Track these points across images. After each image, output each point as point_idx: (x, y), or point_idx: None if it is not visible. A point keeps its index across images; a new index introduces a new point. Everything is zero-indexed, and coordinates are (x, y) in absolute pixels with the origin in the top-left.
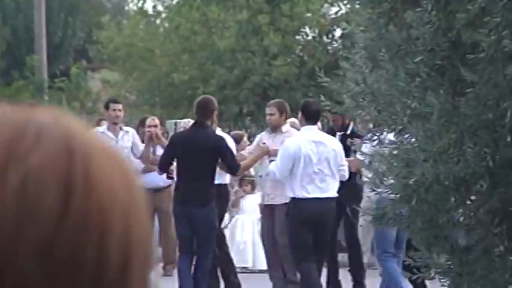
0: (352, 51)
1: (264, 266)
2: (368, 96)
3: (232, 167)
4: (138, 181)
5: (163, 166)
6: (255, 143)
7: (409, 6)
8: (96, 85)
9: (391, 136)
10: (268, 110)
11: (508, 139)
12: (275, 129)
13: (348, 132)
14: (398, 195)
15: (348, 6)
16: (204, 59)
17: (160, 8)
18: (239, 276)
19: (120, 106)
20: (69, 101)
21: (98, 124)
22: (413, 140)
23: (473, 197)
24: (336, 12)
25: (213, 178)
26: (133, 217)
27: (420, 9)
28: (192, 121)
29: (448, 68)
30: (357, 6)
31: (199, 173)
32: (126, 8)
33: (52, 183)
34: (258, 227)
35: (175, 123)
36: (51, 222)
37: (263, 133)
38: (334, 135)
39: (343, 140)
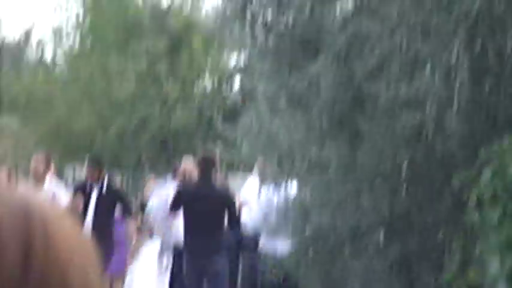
0: (253, 100)
1: None
2: (267, 143)
3: (235, 220)
4: (91, 242)
5: (174, 208)
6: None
7: (310, 57)
8: None
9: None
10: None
11: (404, 191)
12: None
13: (105, 186)
14: (294, 247)
15: (248, 54)
16: (103, 107)
17: (59, 55)
18: None
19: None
20: None
21: None
22: (310, 190)
23: (370, 249)
24: (236, 63)
25: (223, 228)
26: (91, 274)
27: (321, 61)
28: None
29: (348, 119)
30: (258, 56)
31: (209, 225)
32: (25, 57)
33: (12, 242)
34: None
35: None
36: (13, 281)
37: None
38: (91, 189)
39: (102, 194)
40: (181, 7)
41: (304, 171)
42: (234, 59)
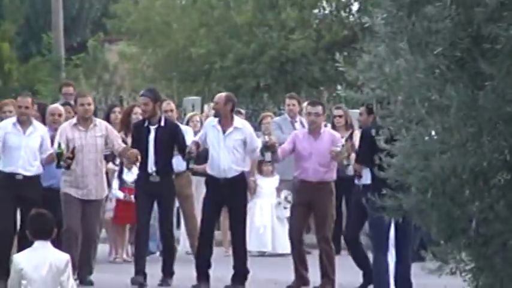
0: (371, 44)
1: (283, 250)
2: (385, 86)
3: None
4: None
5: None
6: None
7: None
8: (113, 57)
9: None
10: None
11: None
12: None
13: None
14: (414, 188)
15: None
16: (221, 33)
17: None
18: (258, 260)
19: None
20: (86, 74)
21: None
22: (432, 132)
23: (492, 191)
24: None
25: None
26: None
27: (439, 4)
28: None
29: (468, 61)
30: None
31: None
32: None
33: None
34: (276, 211)
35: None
36: None
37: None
38: None
39: None
40: None
41: (424, 114)
42: None
